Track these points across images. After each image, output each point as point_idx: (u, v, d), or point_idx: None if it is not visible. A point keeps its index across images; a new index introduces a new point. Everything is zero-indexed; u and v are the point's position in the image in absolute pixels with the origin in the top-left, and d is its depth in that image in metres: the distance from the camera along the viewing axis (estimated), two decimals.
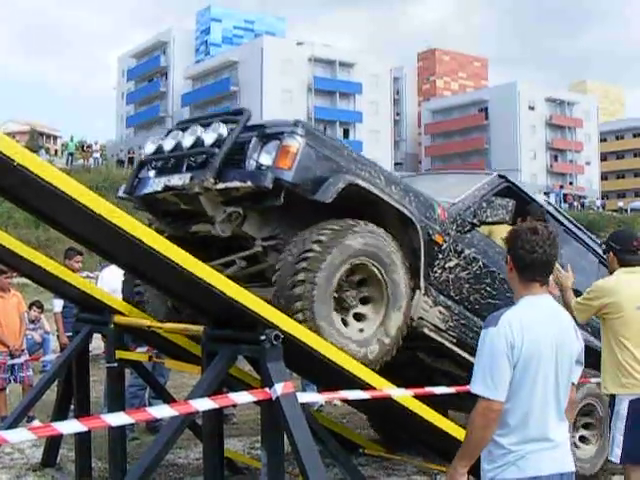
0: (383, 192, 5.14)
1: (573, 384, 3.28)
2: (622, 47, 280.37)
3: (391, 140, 74.57)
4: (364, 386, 4.77)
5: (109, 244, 4.53)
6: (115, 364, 5.86)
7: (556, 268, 6.05)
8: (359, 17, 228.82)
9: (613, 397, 5.14)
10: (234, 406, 6.29)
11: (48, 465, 6.42)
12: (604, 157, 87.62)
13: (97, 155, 47.00)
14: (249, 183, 4.72)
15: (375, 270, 5.01)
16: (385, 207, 5.20)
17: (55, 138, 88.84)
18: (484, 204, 5.77)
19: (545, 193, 59.25)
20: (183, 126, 5.52)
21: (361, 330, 5.03)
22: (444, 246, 5.59)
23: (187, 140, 5.19)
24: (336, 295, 4.86)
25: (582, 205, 59.61)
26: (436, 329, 5.64)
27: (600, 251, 6.81)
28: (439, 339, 5.69)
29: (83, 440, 5.98)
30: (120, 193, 5.62)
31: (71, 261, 8.84)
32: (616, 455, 5.03)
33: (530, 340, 3.04)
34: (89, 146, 48.29)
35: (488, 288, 5.89)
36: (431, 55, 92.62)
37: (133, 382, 7.70)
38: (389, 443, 7.11)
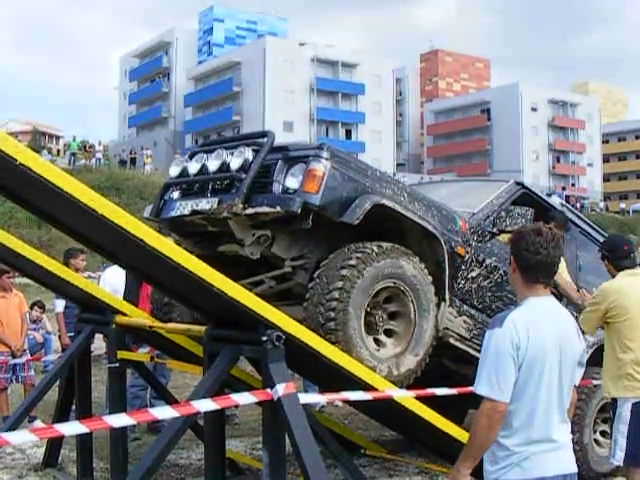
0: (407, 210, 5.24)
1: (575, 386, 3.28)
2: (625, 48, 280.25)
3: (393, 141, 74.55)
4: (366, 387, 4.76)
5: (111, 244, 4.52)
6: (117, 364, 5.86)
7: (564, 279, 6.09)
8: (362, 18, 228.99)
9: (615, 400, 5.14)
10: (236, 407, 6.29)
11: (49, 465, 6.41)
12: (606, 159, 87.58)
13: (99, 155, 46.98)
14: (278, 208, 4.80)
15: (404, 291, 5.12)
16: (409, 223, 5.30)
17: (57, 138, 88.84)
18: (503, 213, 5.87)
19: (547, 194, 59.08)
20: (207, 148, 5.57)
21: (390, 349, 5.13)
22: (466, 257, 5.70)
23: (212, 164, 5.24)
24: (366, 316, 4.96)
25: (582, 207, 59.52)
26: (461, 338, 5.75)
27: None
28: (464, 347, 5.79)
29: (84, 440, 5.97)
30: (146, 215, 5.66)
31: (77, 260, 8.83)
32: (619, 458, 5.04)
33: (535, 341, 3.04)
34: (91, 146, 48.26)
35: (509, 295, 5.97)
36: (433, 56, 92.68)
37: (134, 382, 7.69)
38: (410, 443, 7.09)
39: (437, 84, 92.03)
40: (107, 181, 37.00)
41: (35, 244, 19.91)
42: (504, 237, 5.85)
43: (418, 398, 5.06)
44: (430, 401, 5.20)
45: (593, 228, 7.32)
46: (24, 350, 8.70)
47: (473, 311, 5.80)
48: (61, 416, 6.32)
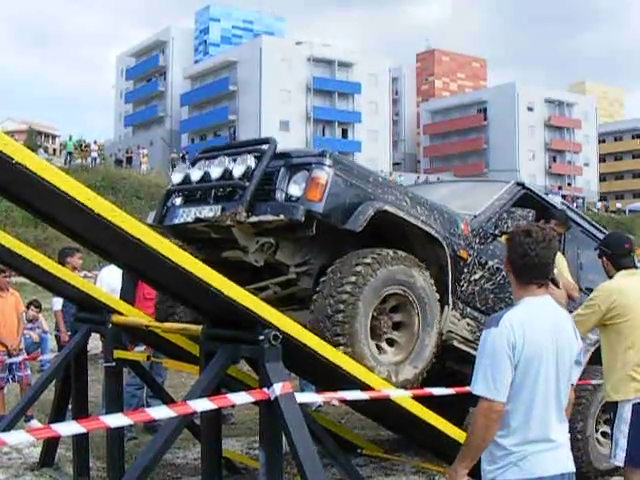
0: (410, 215, 5.26)
1: (572, 385, 3.27)
2: (621, 48, 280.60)
3: (390, 140, 74.58)
4: (363, 386, 4.76)
5: (108, 243, 4.52)
6: (113, 363, 5.85)
7: (566, 278, 6.05)
8: (358, 17, 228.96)
9: (616, 402, 5.10)
10: (232, 406, 6.28)
11: (46, 465, 6.40)
12: (603, 158, 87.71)
13: (95, 154, 46.92)
14: (282, 217, 4.83)
15: (409, 298, 5.14)
16: (412, 228, 5.32)
17: (54, 137, 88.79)
18: (505, 215, 5.88)
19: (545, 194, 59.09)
20: (209, 155, 5.58)
21: (390, 356, 5.15)
22: (469, 260, 5.72)
23: (215, 171, 5.25)
24: (372, 320, 4.98)
25: (577, 207, 59.53)
26: (465, 340, 5.79)
27: None
28: (468, 349, 5.80)
29: (81, 440, 5.96)
30: (149, 221, 5.67)
31: (73, 258, 8.82)
32: (620, 458, 5.00)
33: (531, 341, 3.04)
34: (87, 145, 48.20)
35: (512, 296, 5.94)
36: (430, 55, 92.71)
37: (131, 381, 7.69)
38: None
39: (433, 83, 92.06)
40: (103, 180, 36.97)
41: (31, 243, 19.87)
42: (505, 238, 5.88)
43: (417, 398, 5.06)
44: (429, 401, 5.20)
45: (594, 226, 7.31)
46: (20, 349, 8.70)
47: (476, 313, 5.82)
48: (57, 415, 6.31)
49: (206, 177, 5.33)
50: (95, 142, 48.77)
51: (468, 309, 5.76)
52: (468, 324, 5.76)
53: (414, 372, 5.21)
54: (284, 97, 66.57)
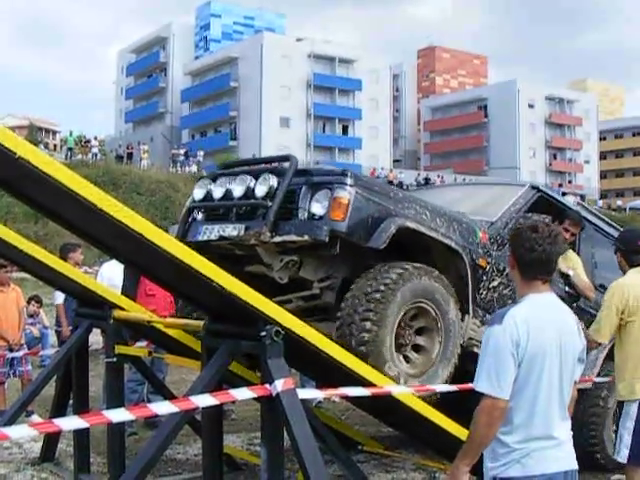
0: (430, 229, 5.33)
1: (575, 382, 3.27)
2: (622, 46, 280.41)
3: (390, 137, 74.52)
4: (364, 383, 4.76)
5: (110, 238, 4.51)
6: (114, 359, 5.85)
7: (581, 279, 6.06)
8: (359, 14, 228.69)
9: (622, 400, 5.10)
10: (233, 402, 6.28)
11: (47, 460, 6.42)
12: (603, 156, 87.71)
13: (96, 150, 46.91)
14: (306, 237, 4.90)
15: (431, 310, 5.21)
16: (432, 241, 5.39)
17: (54, 133, 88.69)
18: (521, 220, 5.83)
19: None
20: (229, 171, 5.66)
21: (418, 365, 5.23)
22: (487, 268, 5.77)
23: (237, 190, 5.32)
24: (396, 333, 5.04)
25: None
26: None
27: None
28: None
29: (82, 435, 5.97)
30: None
31: (76, 253, 8.84)
32: (623, 455, 4.99)
33: (535, 338, 3.03)
34: (88, 141, 48.19)
35: None
36: (431, 52, 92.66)
37: (131, 377, 7.69)
38: None
39: (434, 80, 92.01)
40: (104, 176, 36.96)
41: (32, 238, 19.85)
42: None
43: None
44: (444, 405, 5.24)
45: (609, 225, 7.29)
46: (21, 344, 8.70)
47: None
48: (58, 411, 6.32)
49: (228, 194, 5.39)
50: (95, 138, 48.77)
51: (488, 316, 5.78)
52: None
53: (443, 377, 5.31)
54: (285, 93, 66.50)
